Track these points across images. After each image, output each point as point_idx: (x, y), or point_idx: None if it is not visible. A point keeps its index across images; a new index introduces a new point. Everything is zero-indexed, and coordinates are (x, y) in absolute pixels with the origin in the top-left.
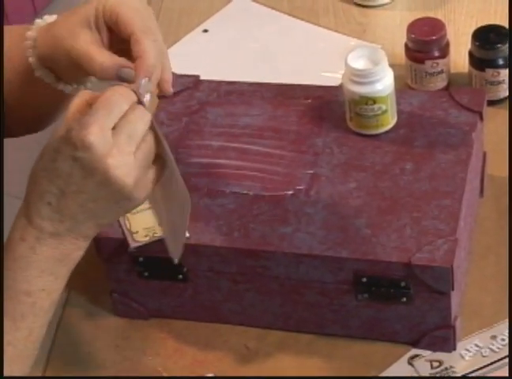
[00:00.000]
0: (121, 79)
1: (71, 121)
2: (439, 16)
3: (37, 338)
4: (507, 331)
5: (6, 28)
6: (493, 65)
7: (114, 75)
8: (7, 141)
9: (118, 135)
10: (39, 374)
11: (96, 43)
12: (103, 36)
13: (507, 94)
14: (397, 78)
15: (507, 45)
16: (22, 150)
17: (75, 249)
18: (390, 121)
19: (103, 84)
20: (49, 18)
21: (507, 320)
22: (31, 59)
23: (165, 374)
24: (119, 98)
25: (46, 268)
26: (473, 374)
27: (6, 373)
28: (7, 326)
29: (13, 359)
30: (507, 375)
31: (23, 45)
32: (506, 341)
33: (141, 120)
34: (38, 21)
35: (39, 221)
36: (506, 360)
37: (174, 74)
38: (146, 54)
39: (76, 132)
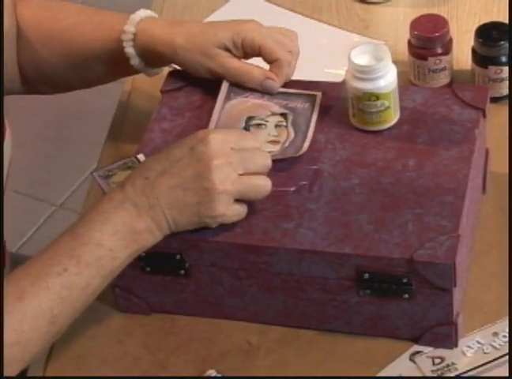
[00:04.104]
0: (264, 87)
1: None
2: (442, 12)
3: (91, 294)
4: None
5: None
6: (496, 62)
7: (259, 83)
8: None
9: (235, 151)
10: (41, 369)
11: (235, 58)
12: (235, 53)
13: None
14: (399, 75)
15: None
16: (25, 146)
17: (147, 231)
18: (393, 117)
19: None
20: (143, 13)
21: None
22: (128, 49)
23: (168, 370)
24: (253, 138)
25: (119, 231)
26: (475, 371)
27: (56, 312)
28: (70, 266)
29: (66, 304)
30: (508, 372)
31: (114, 35)
32: (508, 338)
33: (261, 157)
34: (133, 16)
35: (130, 189)
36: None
37: (177, 69)
38: (287, 77)
39: (205, 131)
